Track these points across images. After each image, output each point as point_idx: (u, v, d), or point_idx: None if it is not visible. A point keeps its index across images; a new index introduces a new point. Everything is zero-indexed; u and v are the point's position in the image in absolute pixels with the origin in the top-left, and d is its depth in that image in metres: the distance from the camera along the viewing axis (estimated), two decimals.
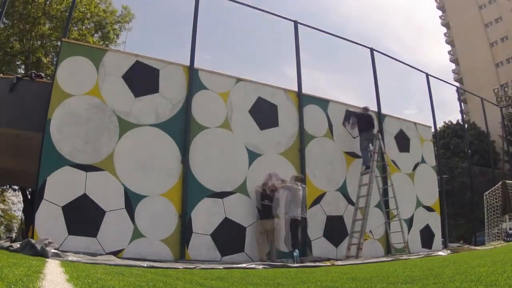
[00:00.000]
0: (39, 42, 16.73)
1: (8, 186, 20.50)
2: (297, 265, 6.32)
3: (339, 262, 6.68)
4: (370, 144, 9.21)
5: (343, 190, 9.05)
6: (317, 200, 8.57)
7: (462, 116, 21.09)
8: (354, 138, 9.50)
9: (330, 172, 9.00)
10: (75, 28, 16.67)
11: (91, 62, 6.89)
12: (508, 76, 39.59)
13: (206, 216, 7.17)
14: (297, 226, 7.44)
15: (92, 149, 6.52)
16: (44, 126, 6.26)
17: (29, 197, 17.39)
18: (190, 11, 8.26)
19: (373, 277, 2.90)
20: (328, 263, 6.48)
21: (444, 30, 51.08)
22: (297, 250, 7.00)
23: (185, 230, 6.89)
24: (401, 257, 7.11)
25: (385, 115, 10.58)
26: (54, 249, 4.96)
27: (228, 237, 7.25)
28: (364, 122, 9.30)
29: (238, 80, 8.35)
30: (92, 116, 6.66)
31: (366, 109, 9.67)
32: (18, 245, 4.95)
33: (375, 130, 9.49)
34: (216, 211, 7.29)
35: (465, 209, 17.41)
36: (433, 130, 12.04)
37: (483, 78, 40.42)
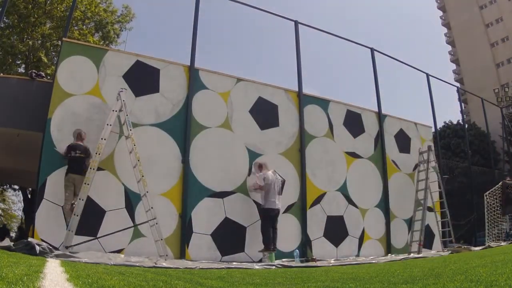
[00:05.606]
0: (39, 42, 16.73)
1: (8, 185, 20.53)
2: (297, 265, 6.33)
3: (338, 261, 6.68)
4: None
5: (343, 190, 9.05)
6: (317, 200, 8.59)
7: (463, 116, 21.10)
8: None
9: (330, 172, 9.00)
10: (76, 28, 16.68)
11: (92, 61, 6.89)
12: (509, 76, 39.53)
13: (206, 216, 7.18)
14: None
15: (92, 148, 6.51)
16: (45, 126, 6.26)
17: (29, 196, 17.42)
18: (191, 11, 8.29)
19: (373, 277, 2.90)
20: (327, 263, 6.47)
21: (445, 30, 51.06)
22: (297, 250, 7.00)
23: (185, 229, 6.89)
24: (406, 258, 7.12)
25: (385, 115, 10.58)
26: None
27: (228, 237, 7.25)
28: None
29: (239, 80, 8.35)
30: (92, 116, 6.65)
31: None
32: (18, 245, 4.96)
33: None
34: (216, 211, 7.29)
35: (465, 210, 17.39)
36: (433, 130, 12.06)
37: (484, 78, 40.35)
